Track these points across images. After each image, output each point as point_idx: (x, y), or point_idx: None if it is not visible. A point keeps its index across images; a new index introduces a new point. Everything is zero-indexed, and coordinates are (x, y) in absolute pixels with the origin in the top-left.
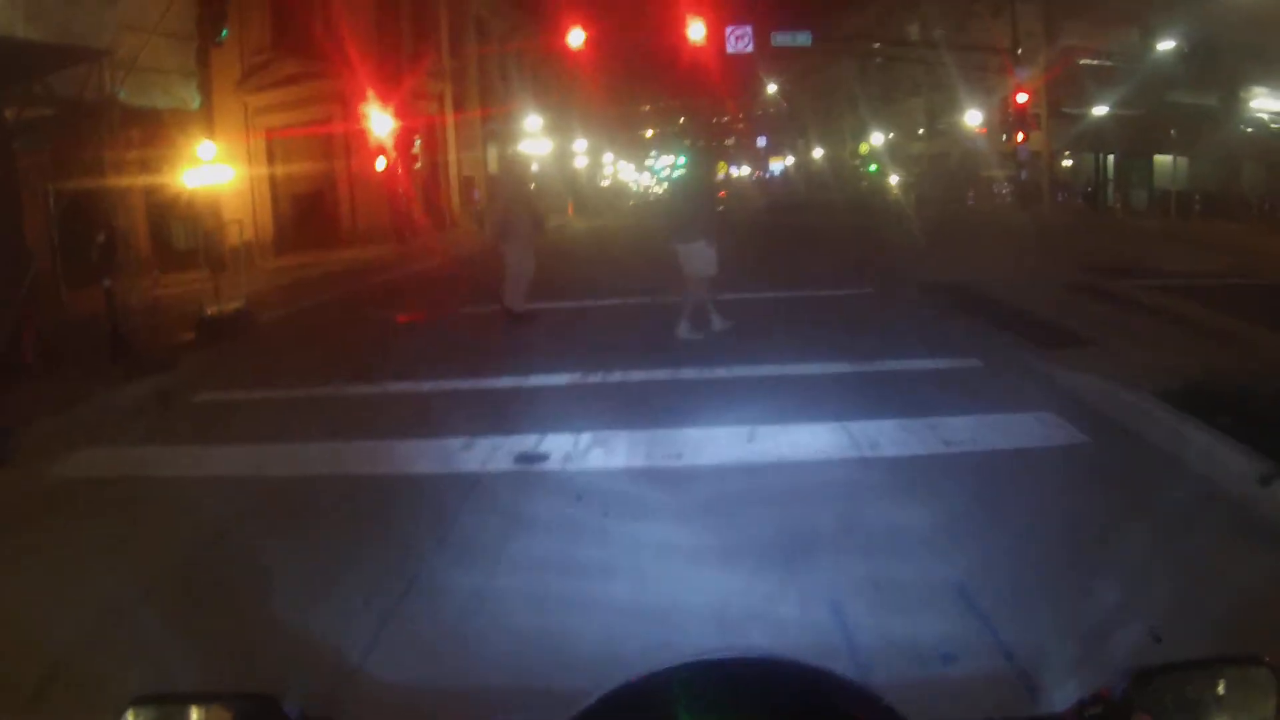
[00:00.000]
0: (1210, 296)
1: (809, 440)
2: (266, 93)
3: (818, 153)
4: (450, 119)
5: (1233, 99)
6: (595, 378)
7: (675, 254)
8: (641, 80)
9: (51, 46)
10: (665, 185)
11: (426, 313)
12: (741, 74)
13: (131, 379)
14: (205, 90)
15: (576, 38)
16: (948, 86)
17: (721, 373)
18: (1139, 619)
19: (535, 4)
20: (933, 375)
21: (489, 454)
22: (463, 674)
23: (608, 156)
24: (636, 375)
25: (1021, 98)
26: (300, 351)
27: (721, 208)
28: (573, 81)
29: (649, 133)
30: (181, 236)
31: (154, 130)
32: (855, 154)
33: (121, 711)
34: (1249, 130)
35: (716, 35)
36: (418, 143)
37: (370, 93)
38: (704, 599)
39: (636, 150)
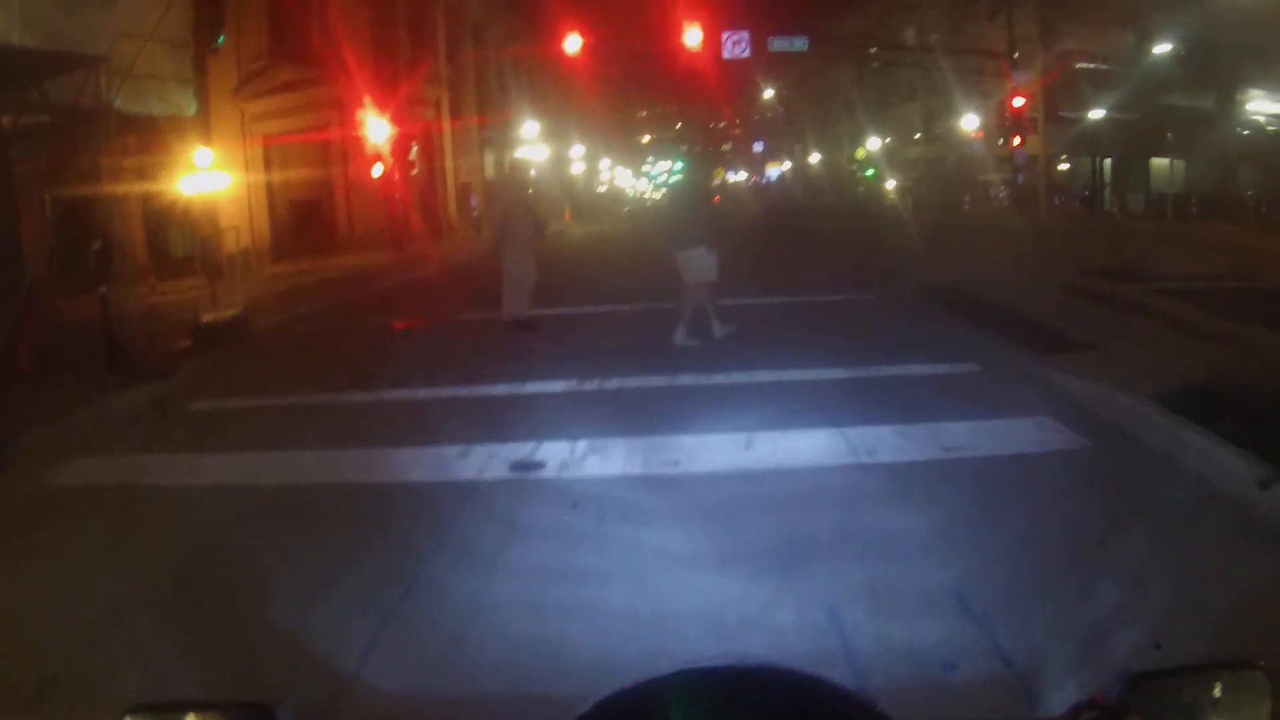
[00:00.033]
0: (1207, 299)
1: (806, 446)
2: (263, 99)
3: (815, 158)
4: (447, 125)
5: (1229, 101)
6: (592, 384)
7: (675, 261)
8: (638, 86)
9: (47, 53)
10: (662, 191)
11: (423, 319)
12: (738, 79)
13: (128, 386)
14: (202, 97)
15: (573, 43)
16: (944, 91)
17: (719, 379)
18: (1137, 623)
19: (532, 10)
20: (930, 380)
21: (485, 461)
22: (459, 681)
23: (605, 162)
24: (634, 382)
25: (1018, 101)
26: (297, 359)
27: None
28: (570, 87)
29: (646, 138)
30: (178, 243)
31: (150, 137)
32: (852, 159)
33: (118, 719)
34: (1245, 132)
35: (713, 40)
36: (415, 149)
37: (367, 99)
38: (701, 606)
39: (633, 156)
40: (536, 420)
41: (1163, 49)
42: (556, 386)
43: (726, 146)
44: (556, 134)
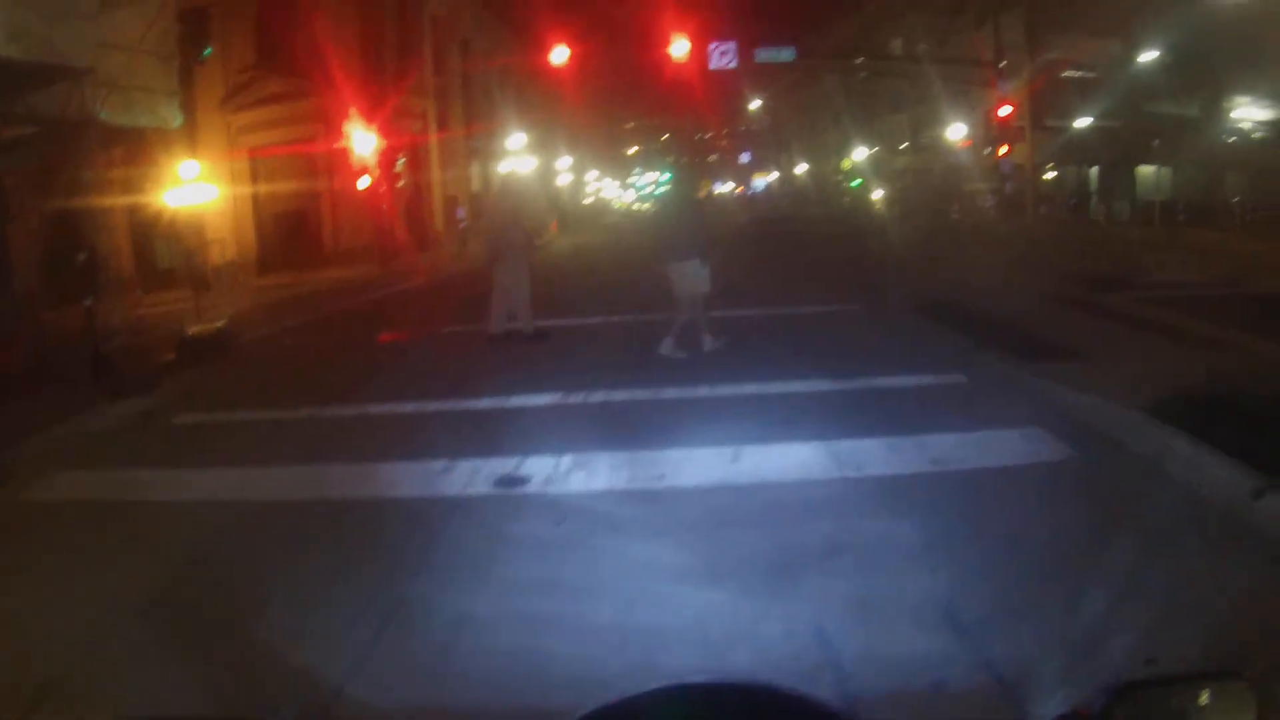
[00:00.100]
0: (1196, 306)
1: (793, 460)
2: (249, 111)
3: (801, 168)
4: (434, 137)
5: (1214, 108)
6: (578, 397)
7: (666, 274)
8: (625, 97)
9: (32, 65)
10: (649, 203)
11: (409, 333)
12: (725, 90)
13: (113, 399)
14: (188, 109)
15: (560, 55)
16: (931, 100)
17: (704, 391)
18: (1126, 633)
19: (519, 22)
20: (918, 391)
21: (469, 477)
22: (447, 695)
23: (591, 174)
24: (619, 395)
25: (1005, 111)
26: (282, 372)
27: None
28: (557, 99)
29: (632, 150)
30: (164, 256)
31: (136, 149)
32: (839, 169)
33: None
34: (1231, 139)
35: (700, 52)
36: (401, 161)
37: (353, 111)
38: (687, 620)
39: (620, 167)
40: (521, 434)
41: (1148, 57)
42: (542, 400)
43: (713, 157)
44: (544, 145)
